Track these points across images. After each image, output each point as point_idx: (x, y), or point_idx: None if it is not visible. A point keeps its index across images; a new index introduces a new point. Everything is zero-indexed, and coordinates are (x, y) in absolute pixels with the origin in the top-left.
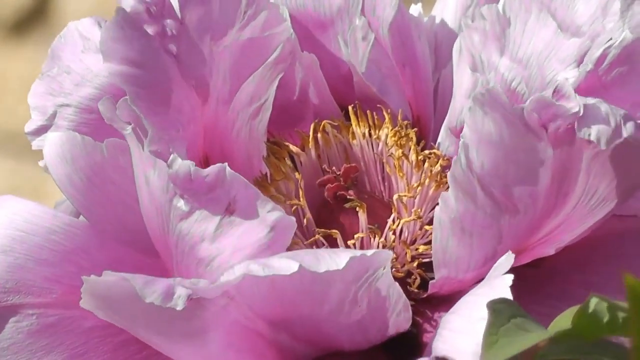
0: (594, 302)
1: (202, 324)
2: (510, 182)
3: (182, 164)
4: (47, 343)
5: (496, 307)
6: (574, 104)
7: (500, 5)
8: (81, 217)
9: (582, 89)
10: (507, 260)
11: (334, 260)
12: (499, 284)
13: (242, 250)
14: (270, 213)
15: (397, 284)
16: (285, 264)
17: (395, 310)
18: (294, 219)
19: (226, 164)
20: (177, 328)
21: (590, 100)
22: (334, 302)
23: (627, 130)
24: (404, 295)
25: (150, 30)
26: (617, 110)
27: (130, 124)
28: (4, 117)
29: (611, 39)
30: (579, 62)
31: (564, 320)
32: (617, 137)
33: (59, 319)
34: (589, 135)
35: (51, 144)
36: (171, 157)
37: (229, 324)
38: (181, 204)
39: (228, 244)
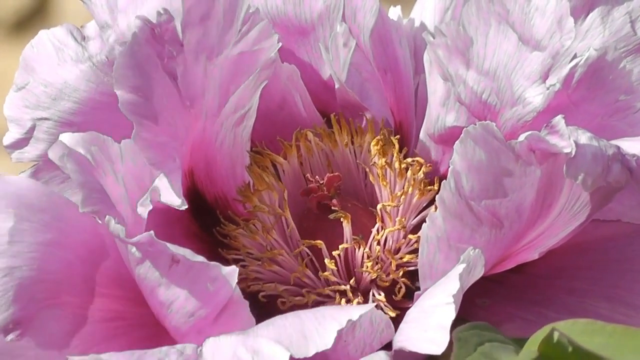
0: (556, 335)
1: None
2: (498, 202)
3: (114, 228)
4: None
5: (462, 336)
6: (566, 143)
7: (459, 21)
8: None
9: (552, 107)
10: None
11: (322, 338)
12: (452, 274)
13: (193, 297)
14: (209, 265)
15: (379, 311)
16: (275, 353)
17: (379, 331)
18: (235, 267)
19: (152, 232)
20: None
21: (582, 138)
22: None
23: (612, 174)
24: (386, 317)
25: (155, 53)
26: (607, 149)
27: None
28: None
29: (576, 56)
30: (544, 78)
31: (532, 345)
32: (601, 182)
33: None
34: (576, 179)
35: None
36: (106, 218)
37: None
38: (134, 250)
39: (180, 291)
